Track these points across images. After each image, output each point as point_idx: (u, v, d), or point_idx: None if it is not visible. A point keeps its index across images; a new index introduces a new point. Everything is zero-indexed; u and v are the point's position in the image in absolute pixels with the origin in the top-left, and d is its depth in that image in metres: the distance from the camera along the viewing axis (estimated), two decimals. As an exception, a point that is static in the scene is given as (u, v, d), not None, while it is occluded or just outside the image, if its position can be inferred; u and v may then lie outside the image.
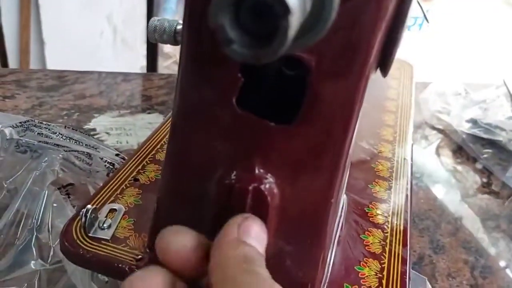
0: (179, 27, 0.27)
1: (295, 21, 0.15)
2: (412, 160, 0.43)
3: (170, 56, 2.06)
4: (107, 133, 0.51)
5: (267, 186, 0.24)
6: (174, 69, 2.16)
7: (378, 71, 0.24)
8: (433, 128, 0.62)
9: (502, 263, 0.44)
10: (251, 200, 0.23)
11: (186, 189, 0.27)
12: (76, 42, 1.34)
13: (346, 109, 0.22)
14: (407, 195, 0.38)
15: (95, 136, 0.50)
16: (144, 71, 1.49)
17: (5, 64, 1.31)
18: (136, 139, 0.51)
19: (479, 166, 0.56)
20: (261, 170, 0.24)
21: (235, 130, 0.23)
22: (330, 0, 0.17)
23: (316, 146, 0.23)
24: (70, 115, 0.53)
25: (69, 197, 0.40)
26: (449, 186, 0.54)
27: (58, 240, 0.36)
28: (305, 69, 0.21)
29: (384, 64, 0.22)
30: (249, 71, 0.22)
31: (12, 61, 1.34)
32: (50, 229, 0.36)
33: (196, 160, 0.25)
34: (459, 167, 0.57)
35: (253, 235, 0.21)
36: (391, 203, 0.37)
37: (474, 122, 0.58)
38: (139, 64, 1.48)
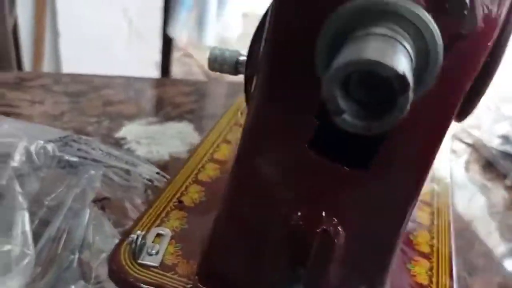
0: (242, 58, 0.26)
1: (411, 94, 0.14)
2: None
3: (180, 49, 2.05)
4: (138, 142, 0.51)
5: (334, 228, 0.23)
6: (184, 62, 2.14)
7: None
8: (462, 141, 0.62)
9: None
10: (317, 242, 0.23)
11: (246, 219, 0.26)
12: (91, 34, 1.33)
13: (422, 159, 0.21)
14: (449, 221, 0.38)
15: (126, 146, 0.50)
16: (158, 66, 1.48)
17: (18, 55, 1.30)
18: (166, 149, 0.50)
19: (508, 182, 0.56)
20: (328, 212, 0.23)
21: (306, 171, 0.23)
22: (434, 63, 0.16)
23: (387, 193, 0.22)
24: (100, 122, 0.53)
25: (104, 211, 0.40)
26: (478, 202, 0.53)
27: (99, 259, 0.36)
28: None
29: (463, 113, 0.21)
30: (324, 114, 0.21)
31: (26, 52, 1.34)
32: (91, 248, 0.36)
33: (260, 191, 0.25)
34: (488, 183, 0.56)
35: None
36: (435, 229, 0.36)
37: (505, 138, 0.58)
38: (153, 58, 1.47)
